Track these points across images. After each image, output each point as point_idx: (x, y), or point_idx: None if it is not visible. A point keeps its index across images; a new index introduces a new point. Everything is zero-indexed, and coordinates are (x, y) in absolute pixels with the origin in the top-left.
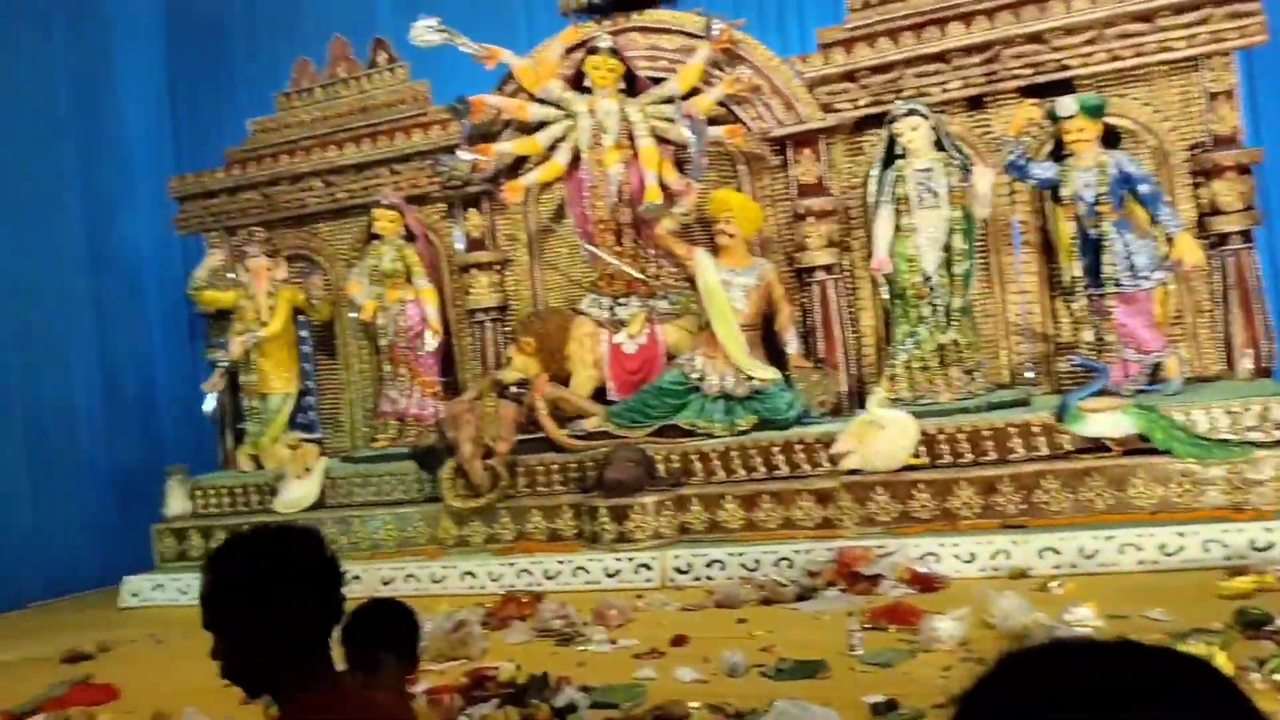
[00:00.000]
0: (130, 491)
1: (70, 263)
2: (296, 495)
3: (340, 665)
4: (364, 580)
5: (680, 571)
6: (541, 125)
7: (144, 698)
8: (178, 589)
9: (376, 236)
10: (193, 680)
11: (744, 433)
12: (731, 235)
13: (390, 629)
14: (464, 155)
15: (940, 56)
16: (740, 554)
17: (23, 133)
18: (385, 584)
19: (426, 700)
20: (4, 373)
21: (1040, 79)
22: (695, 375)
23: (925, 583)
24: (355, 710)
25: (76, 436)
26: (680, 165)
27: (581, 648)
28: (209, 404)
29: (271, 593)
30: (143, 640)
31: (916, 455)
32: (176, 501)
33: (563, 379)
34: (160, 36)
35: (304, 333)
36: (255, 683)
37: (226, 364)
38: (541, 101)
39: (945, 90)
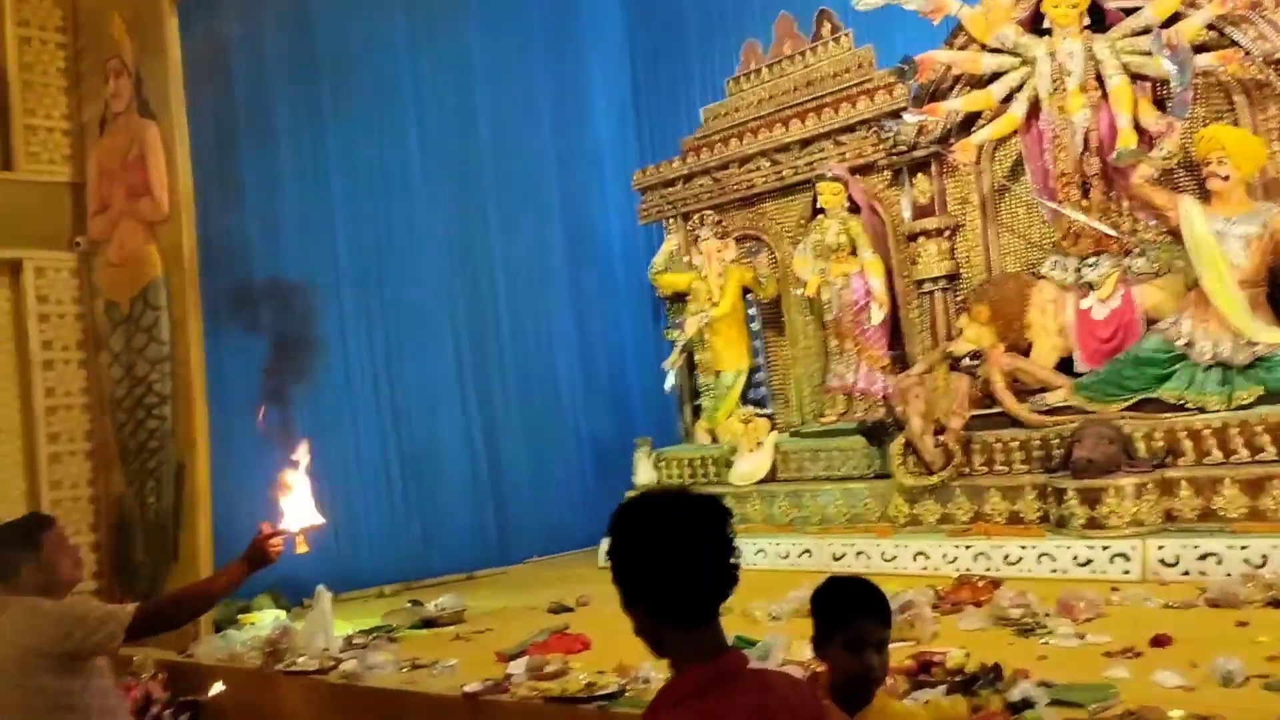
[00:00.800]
0: (606, 461)
1: (552, 258)
2: (749, 468)
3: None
4: (814, 555)
5: (1165, 564)
6: (995, 77)
7: (611, 650)
8: None
9: (821, 211)
10: None
11: (1246, 406)
12: (1226, 178)
13: (872, 604)
14: (909, 118)
15: None
16: (1243, 547)
17: (516, 148)
18: (836, 559)
19: None
20: (504, 358)
21: None
22: (1182, 341)
23: None
24: (747, 690)
25: (562, 412)
26: (1160, 103)
27: (1043, 640)
28: (669, 381)
29: (654, 557)
30: (616, 597)
31: None
32: (644, 471)
33: (1021, 349)
34: (624, 45)
35: (753, 311)
36: (651, 644)
37: (683, 343)
38: (994, 51)
39: None
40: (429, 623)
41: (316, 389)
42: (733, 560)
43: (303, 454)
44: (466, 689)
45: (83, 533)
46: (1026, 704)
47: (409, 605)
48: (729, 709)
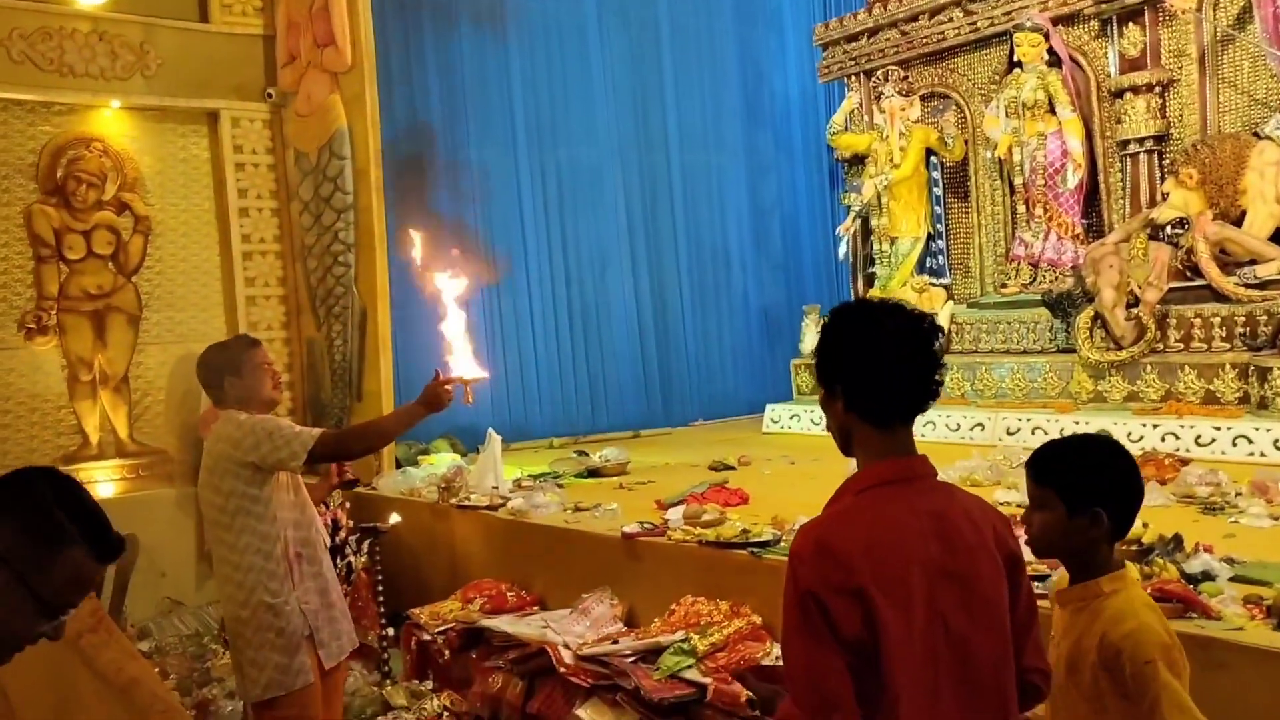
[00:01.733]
0: (774, 327)
1: (728, 118)
2: None
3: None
4: (986, 429)
5: None
6: None
7: (767, 505)
8: (811, 419)
9: (1017, 65)
10: (812, 497)
11: None
12: None
13: (1032, 459)
14: None
15: None
16: None
17: (692, 4)
18: (1010, 434)
19: None
20: (676, 220)
21: None
22: None
23: None
24: (930, 493)
25: (731, 276)
26: None
27: (1232, 520)
28: (842, 248)
29: (861, 354)
30: (777, 460)
31: None
32: (811, 339)
33: (1232, 218)
34: None
35: (935, 174)
36: (841, 440)
37: (859, 207)
38: None
39: None
40: (593, 472)
41: (492, 245)
42: (936, 376)
43: (458, 313)
44: (625, 529)
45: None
46: (1207, 576)
47: (575, 455)
48: (908, 506)
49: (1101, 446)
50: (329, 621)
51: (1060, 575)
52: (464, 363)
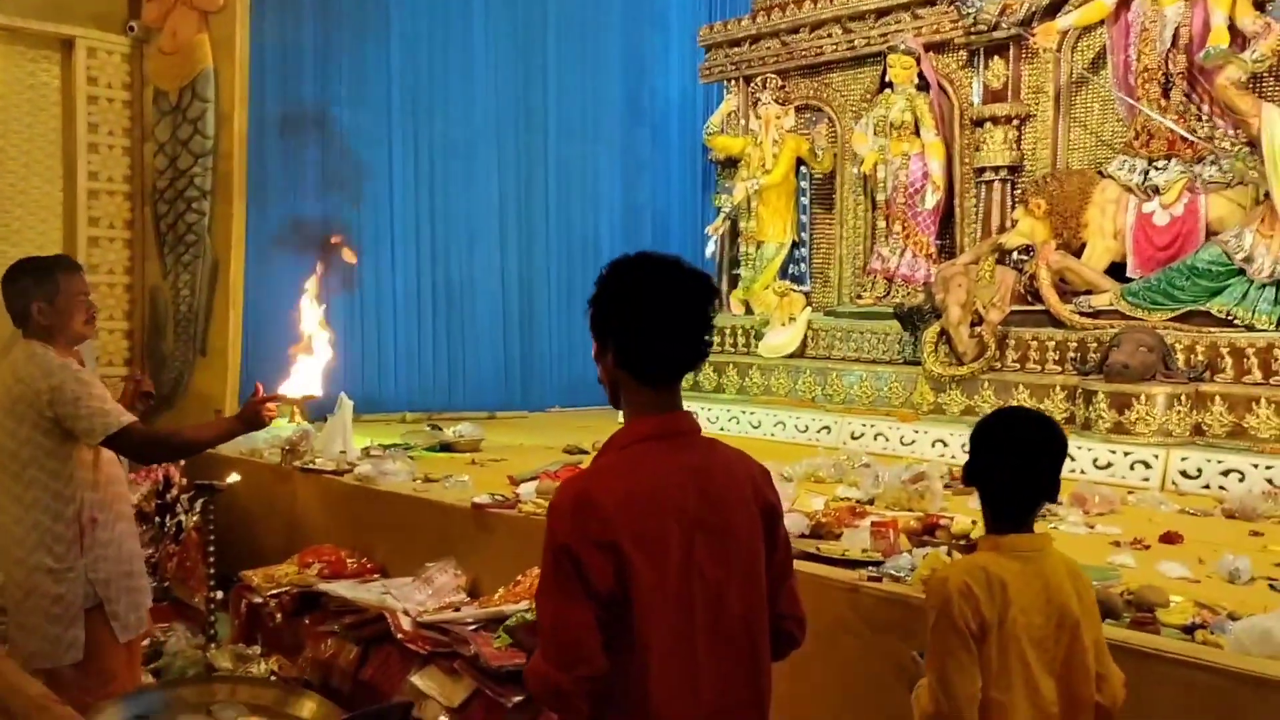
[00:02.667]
0: None
1: (608, 112)
2: (779, 341)
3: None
4: (833, 432)
5: (1186, 476)
6: None
7: None
8: None
9: (888, 86)
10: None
11: None
12: None
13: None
14: None
15: None
16: (1268, 467)
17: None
18: (855, 438)
19: (871, 528)
20: (549, 207)
21: None
22: (1241, 256)
23: None
24: (692, 448)
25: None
26: (1260, 4)
27: (1052, 525)
28: (710, 247)
29: (636, 309)
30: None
31: None
32: None
33: (1074, 249)
34: None
35: (804, 184)
36: (610, 394)
37: (729, 209)
38: None
39: None
40: (446, 447)
41: (360, 214)
42: (706, 337)
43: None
44: (476, 500)
45: (116, 319)
46: None
47: (428, 429)
48: (670, 461)
49: (998, 424)
50: (127, 592)
51: None
52: (302, 378)
